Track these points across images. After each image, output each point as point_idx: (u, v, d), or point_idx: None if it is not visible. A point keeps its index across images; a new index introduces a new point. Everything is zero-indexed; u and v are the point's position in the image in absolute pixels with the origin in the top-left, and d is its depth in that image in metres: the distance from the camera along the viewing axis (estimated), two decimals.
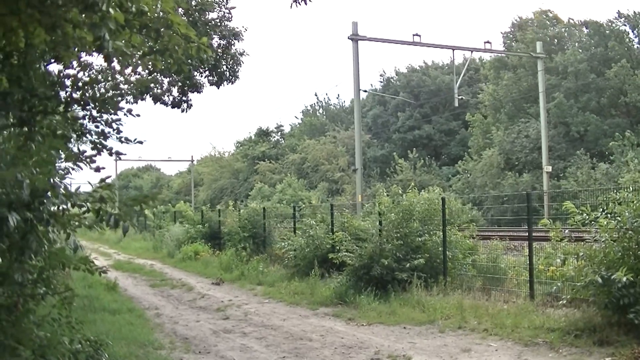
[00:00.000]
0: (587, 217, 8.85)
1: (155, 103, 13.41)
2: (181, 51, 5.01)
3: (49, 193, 4.07)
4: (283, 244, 17.09)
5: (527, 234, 11.11)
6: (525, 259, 11.04)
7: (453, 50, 32.19)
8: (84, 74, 5.77)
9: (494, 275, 11.61)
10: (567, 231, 9.65)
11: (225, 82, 14.36)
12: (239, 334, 9.85)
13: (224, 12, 13.71)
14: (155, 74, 10.38)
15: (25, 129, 5.19)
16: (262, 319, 11.10)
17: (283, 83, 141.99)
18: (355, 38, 27.85)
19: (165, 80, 13.23)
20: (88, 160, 5.31)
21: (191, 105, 14.28)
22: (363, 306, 11.23)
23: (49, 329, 5.15)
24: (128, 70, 5.79)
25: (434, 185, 25.07)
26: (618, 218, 8.26)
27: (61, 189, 4.16)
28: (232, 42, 14.09)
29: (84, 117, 6.03)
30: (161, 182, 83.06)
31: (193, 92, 14.09)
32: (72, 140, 6.18)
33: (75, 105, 5.65)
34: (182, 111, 14.18)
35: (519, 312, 9.49)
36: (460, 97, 34.20)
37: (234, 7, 13.80)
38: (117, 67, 5.70)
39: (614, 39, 38.25)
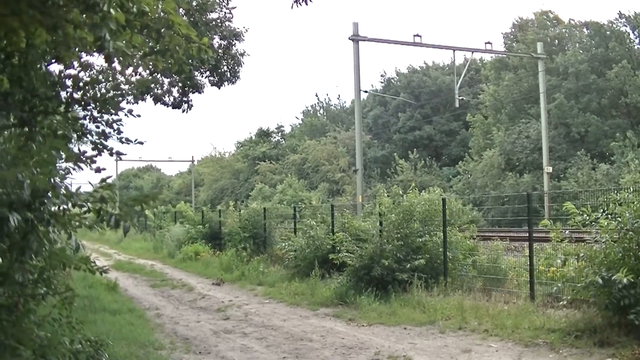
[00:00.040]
0: (588, 217, 8.85)
1: (155, 103, 13.43)
2: (182, 51, 5.01)
3: (50, 193, 4.07)
4: (283, 244, 17.10)
5: (527, 235, 11.11)
6: (525, 260, 11.04)
7: (454, 50, 32.18)
8: (84, 74, 5.77)
9: (495, 276, 11.61)
10: (567, 232, 9.64)
11: (225, 83, 14.37)
12: (240, 335, 9.85)
13: (225, 13, 13.73)
14: (155, 74, 10.38)
15: (26, 129, 5.19)
16: (263, 319, 11.10)
17: (284, 83, 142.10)
18: (355, 38, 27.85)
19: (166, 81, 13.24)
20: (89, 160, 5.31)
21: (192, 105, 14.30)
22: (363, 307, 11.23)
23: (50, 329, 5.16)
24: (129, 71, 5.79)
25: (435, 186, 24.96)
26: (619, 219, 8.26)
27: (62, 189, 4.16)
28: (233, 43, 14.09)
29: (84, 118, 6.03)
30: (162, 182, 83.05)
31: (194, 93, 14.11)
32: (72, 140, 6.18)
33: (76, 106, 5.65)
34: (183, 111, 14.20)
35: (520, 312, 9.49)
36: (460, 97, 34.19)
37: (234, 7, 13.82)
38: (118, 68, 5.71)
39: (615, 39, 38.23)
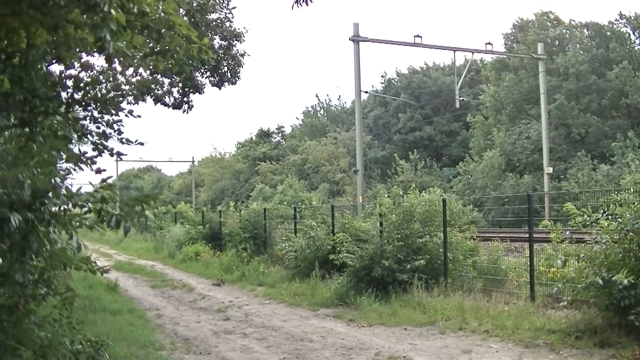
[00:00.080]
0: (588, 218, 8.85)
1: (156, 104, 13.43)
2: (182, 52, 5.02)
3: (50, 193, 4.07)
4: (284, 245, 17.11)
5: (527, 236, 11.10)
6: (526, 261, 11.05)
7: (454, 51, 32.17)
8: (85, 75, 5.78)
9: (495, 276, 11.61)
10: (568, 232, 9.65)
11: (226, 83, 14.38)
12: (240, 335, 9.85)
13: (225, 13, 13.73)
14: (156, 75, 10.39)
15: (27, 129, 5.20)
16: (263, 320, 11.10)
17: (284, 84, 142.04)
18: (356, 39, 27.86)
19: (167, 81, 13.24)
20: (89, 161, 5.32)
21: (192, 106, 14.30)
22: (364, 307, 11.23)
23: (50, 330, 5.16)
24: (129, 71, 5.79)
25: (435, 187, 25.04)
26: (619, 219, 8.26)
27: (62, 190, 4.17)
28: (233, 43, 14.10)
29: (85, 118, 6.03)
30: (162, 182, 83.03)
31: (194, 93, 14.11)
32: (73, 141, 6.18)
33: (77, 106, 5.65)
34: (183, 112, 14.21)
35: (520, 313, 9.49)
36: (461, 98, 34.22)
37: (234, 7, 13.82)
38: (119, 68, 5.71)
39: (615, 40, 38.23)
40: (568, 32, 43.19)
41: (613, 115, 38.13)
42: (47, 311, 5.27)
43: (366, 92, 40.63)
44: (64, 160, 4.95)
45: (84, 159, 5.30)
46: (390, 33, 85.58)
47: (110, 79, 5.91)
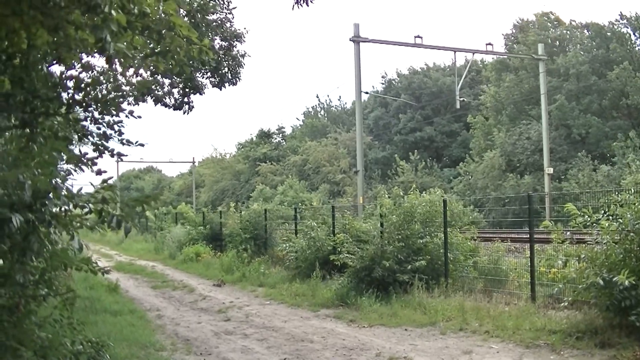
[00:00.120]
0: (589, 219, 8.83)
1: (156, 105, 13.43)
2: (183, 53, 5.02)
3: (51, 194, 4.07)
4: (284, 245, 17.11)
5: (528, 236, 11.09)
6: (526, 261, 11.03)
7: (455, 52, 32.21)
8: (86, 76, 5.78)
9: (496, 277, 11.60)
10: (568, 233, 9.64)
11: (226, 84, 14.36)
12: (240, 336, 9.85)
13: (226, 13, 13.73)
14: (156, 75, 10.40)
15: (27, 130, 5.19)
16: (264, 320, 11.10)
17: (284, 84, 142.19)
18: (356, 40, 27.88)
19: (167, 82, 13.24)
20: (90, 162, 5.32)
21: (193, 107, 14.29)
22: (364, 308, 11.23)
23: (51, 330, 5.15)
24: (130, 72, 5.78)
25: (436, 187, 25.06)
26: (620, 220, 8.25)
27: (63, 190, 4.17)
28: (234, 44, 14.09)
29: (85, 119, 6.03)
30: (162, 183, 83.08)
31: (194, 94, 14.10)
32: (73, 141, 6.18)
33: (77, 107, 5.65)
34: (184, 113, 14.20)
35: (521, 314, 9.48)
36: (461, 98, 34.22)
37: (234, 8, 13.82)
38: (119, 69, 5.71)
39: (616, 41, 38.24)
40: (568, 32, 43.22)
41: (613, 115, 38.14)
42: (47, 312, 5.27)
43: (367, 92, 40.77)
44: (64, 161, 4.95)
45: (85, 160, 5.30)
46: (390, 34, 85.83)
47: (111, 80, 5.91)
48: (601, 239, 8.42)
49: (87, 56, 5.63)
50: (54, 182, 4.18)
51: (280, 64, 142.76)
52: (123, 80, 5.94)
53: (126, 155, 6.54)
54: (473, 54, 33.51)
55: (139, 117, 6.13)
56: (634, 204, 8.51)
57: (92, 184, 4.27)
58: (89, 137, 6.16)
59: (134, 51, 4.63)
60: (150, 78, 7.88)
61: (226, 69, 14.19)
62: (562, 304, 8.91)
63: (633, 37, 39.33)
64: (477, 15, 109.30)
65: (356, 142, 30.00)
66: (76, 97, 5.55)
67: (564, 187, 33.17)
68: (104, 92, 5.71)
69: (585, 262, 8.48)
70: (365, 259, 12.17)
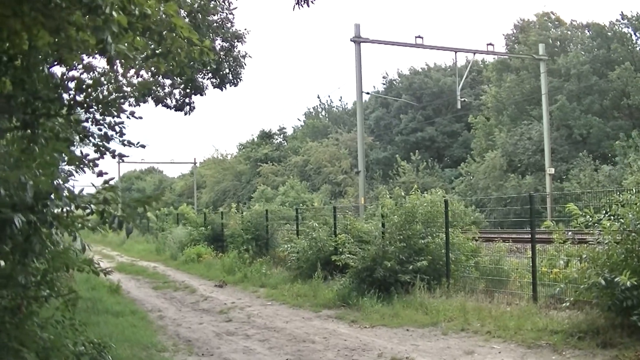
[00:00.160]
0: (590, 219, 8.83)
1: (157, 105, 13.45)
2: (184, 54, 5.02)
3: (53, 195, 4.07)
4: (286, 246, 17.10)
5: (530, 236, 11.09)
6: (528, 261, 11.03)
7: (455, 52, 32.23)
8: (87, 77, 5.78)
9: (497, 277, 11.60)
10: (570, 233, 9.64)
11: (227, 85, 14.37)
12: (242, 337, 9.85)
13: (227, 14, 13.74)
14: (157, 76, 10.41)
15: (29, 131, 5.19)
16: (265, 321, 11.10)
17: (285, 85, 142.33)
18: (357, 40, 27.89)
19: (168, 83, 13.26)
20: (91, 164, 5.32)
21: (194, 107, 14.32)
22: (366, 308, 11.22)
23: (53, 331, 5.16)
24: (131, 73, 5.79)
25: (437, 188, 25.01)
26: (621, 220, 8.25)
27: (65, 191, 4.17)
28: (235, 45, 14.10)
29: (87, 120, 6.03)
30: (164, 184, 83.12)
31: (196, 95, 14.12)
32: (75, 143, 6.19)
33: (78, 108, 5.65)
34: (185, 114, 14.22)
35: (522, 314, 9.48)
36: (462, 99, 34.22)
37: (235, 8, 13.83)
38: (120, 70, 5.71)
39: (617, 41, 38.23)
40: (569, 32, 43.20)
41: (615, 115, 38.12)
42: (49, 313, 5.28)
43: (368, 93, 40.79)
44: (66, 163, 4.95)
45: (86, 161, 5.30)
46: (391, 34, 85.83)
47: (112, 81, 5.91)
48: (603, 239, 8.42)
49: (88, 57, 5.63)
50: (55, 183, 4.19)
51: (281, 64, 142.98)
52: (124, 81, 5.94)
53: (127, 156, 6.55)
54: (474, 54, 33.52)
55: (140, 118, 6.14)
56: (636, 204, 8.50)
57: (93, 185, 4.27)
58: (90, 138, 6.16)
59: (135, 52, 4.63)
60: (151, 79, 7.89)
61: (227, 70, 14.20)
62: (564, 304, 8.90)
63: (634, 37, 39.37)
64: (477, 16, 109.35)
65: (357, 142, 30.01)
66: (77, 98, 5.55)
67: (566, 187, 33.15)
68: (105, 93, 5.71)
69: (586, 262, 8.47)
70: (367, 259, 12.17)
